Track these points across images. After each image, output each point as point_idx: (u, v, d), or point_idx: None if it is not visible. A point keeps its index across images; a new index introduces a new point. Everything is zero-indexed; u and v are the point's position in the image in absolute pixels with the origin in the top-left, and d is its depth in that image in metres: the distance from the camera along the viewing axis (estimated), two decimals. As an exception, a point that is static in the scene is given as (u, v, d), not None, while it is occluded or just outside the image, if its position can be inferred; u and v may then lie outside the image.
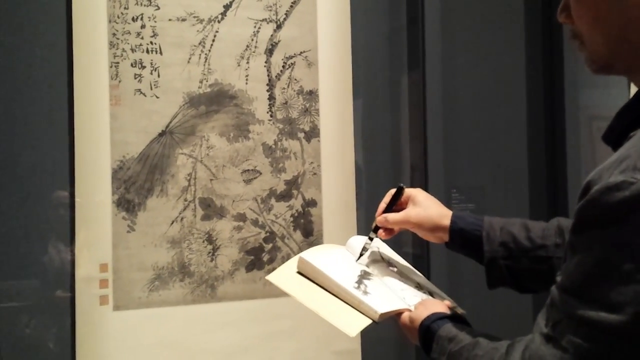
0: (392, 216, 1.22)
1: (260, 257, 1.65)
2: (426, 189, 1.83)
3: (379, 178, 1.86)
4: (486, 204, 1.96)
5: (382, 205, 1.25)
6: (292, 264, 1.22)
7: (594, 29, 0.84)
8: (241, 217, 1.64)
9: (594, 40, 0.85)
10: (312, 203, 1.71)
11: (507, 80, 2.02)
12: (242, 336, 1.62)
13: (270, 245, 1.67)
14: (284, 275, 1.21)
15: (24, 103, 1.49)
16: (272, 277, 1.21)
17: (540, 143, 2.03)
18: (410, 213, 1.22)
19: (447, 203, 1.91)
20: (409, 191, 1.25)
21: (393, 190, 1.25)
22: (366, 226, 1.74)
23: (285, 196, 1.68)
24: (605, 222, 0.74)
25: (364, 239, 1.30)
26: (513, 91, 2.03)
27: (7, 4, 1.48)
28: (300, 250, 1.66)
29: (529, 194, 2.02)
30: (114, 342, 1.50)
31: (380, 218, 1.23)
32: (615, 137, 0.84)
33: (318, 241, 1.70)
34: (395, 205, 1.24)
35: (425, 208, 1.21)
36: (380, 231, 1.24)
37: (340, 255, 1.27)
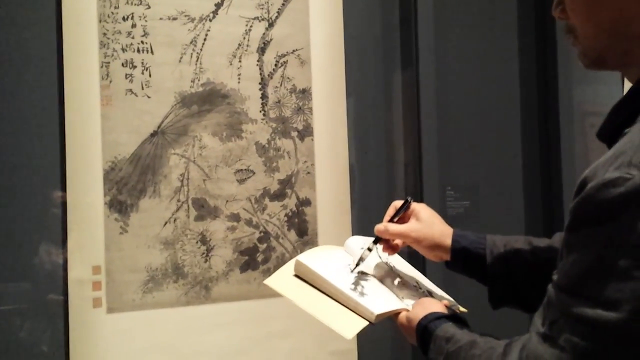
0: (392, 226, 1.19)
1: (254, 258, 1.64)
2: (421, 188, 1.83)
3: (373, 177, 1.85)
4: (481, 202, 1.96)
5: (386, 217, 1.22)
6: (289, 267, 1.21)
7: (587, 22, 0.85)
8: (235, 217, 1.63)
9: (586, 33, 0.86)
10: (306, 202, 1.70)
11: (501, 77, 2.02)
12: (237, 337, 1.61)
13: (265, 245, 1.65)
14: (281, 279, 1.20)
15: (14, 104, 1.47)
16: (270, 282, 1.20)
17: (534, 140, 2.03)
18: (411, 227, 1.19)
19: (442, 201, 1.91)
20: (413, 206, 1.22)
21: (398, 203, 1.23)
22: (360, 225, 1.73)
23: (279, 196, 1.67)
24: (601, 218, 0.73)
25: (362, 240, 1.28)
26: (506, 88, 2.02)
27: (-5, 5, 1.46)
28: (295, 249, 1.65)
29: (524, 191, 2.02)
30: (107, 345, 1.49)
31: (380, 226, 1.19)
32: (609, 133, 0.84)
33: (312, 240, 1.69)
34: (399, 218, 1.21)
35: (428, 225, 1.19)
36: (385, 247, 1.21)
37: (338, 256, 1.26)
